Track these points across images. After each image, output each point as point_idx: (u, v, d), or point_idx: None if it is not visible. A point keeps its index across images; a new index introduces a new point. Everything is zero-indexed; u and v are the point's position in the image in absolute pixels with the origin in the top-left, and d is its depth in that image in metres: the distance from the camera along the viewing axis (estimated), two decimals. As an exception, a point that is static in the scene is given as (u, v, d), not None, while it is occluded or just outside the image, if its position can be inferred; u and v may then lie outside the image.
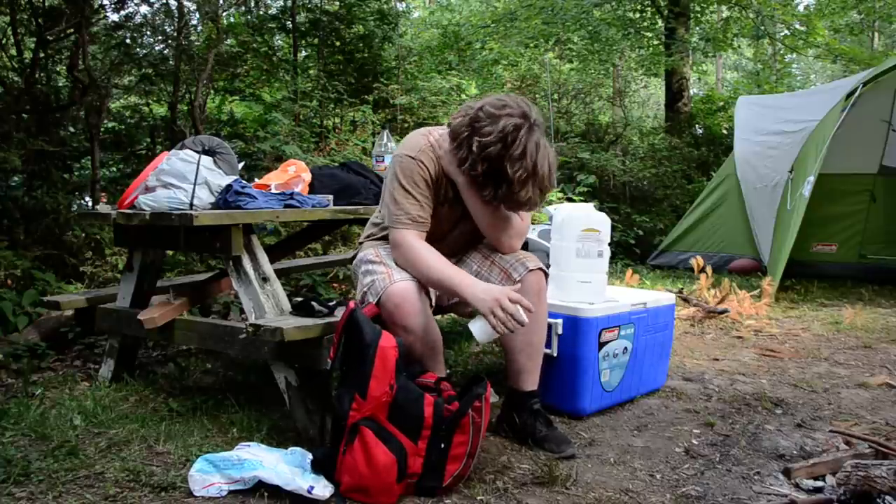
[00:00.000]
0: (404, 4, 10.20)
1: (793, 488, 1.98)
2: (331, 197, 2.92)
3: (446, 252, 2.36)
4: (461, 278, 2.09)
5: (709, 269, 4.69)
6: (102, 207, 2.94)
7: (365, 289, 2.19)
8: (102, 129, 5.06)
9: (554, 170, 2.10)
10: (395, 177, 2.20)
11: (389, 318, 2.05)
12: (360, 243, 2.41)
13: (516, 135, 2.02)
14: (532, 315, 2.17)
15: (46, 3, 4.69)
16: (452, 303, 2.39)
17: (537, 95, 9.46)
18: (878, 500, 1.71)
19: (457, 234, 2.35)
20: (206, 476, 1.88)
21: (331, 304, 2.40)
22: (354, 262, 2.36)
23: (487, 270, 2.29)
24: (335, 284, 4.57)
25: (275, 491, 1.85)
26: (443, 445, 1.90)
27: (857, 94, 5.11)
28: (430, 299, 2.19)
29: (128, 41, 5.36)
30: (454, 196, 2.25)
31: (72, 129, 4.96)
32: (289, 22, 6.93)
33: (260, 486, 1.88)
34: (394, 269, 2.15)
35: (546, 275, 2.27)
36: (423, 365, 2.09)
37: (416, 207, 2.17)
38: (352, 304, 2.00)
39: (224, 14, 6.42)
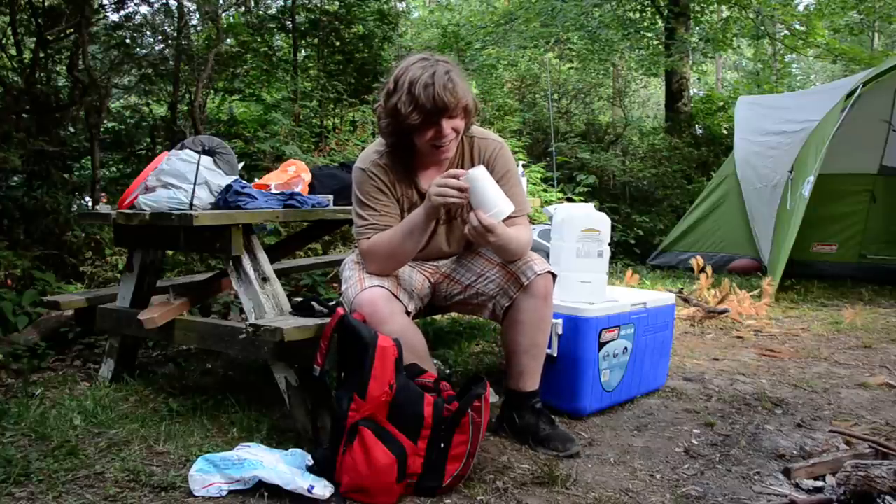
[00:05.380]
0: (404, 4, 10.20)
1: (793, 488, 1.98)
2: (331, 197, 2.92)
3: (430, 255, 2.35)
4: (413, 214, 2.12)
5: (709, 269, 4.69)
6: (102, 207, 2.94)
7: (342, 298, 2.20)
8: (102, 129, 5.06)
9: (439, 81, 2.00)
10: (353, 190, 2.23)
11: None
12: (355, 246, 2.42)
13: (398, 75, 2.07)
14: (538, 316, 2.20)
15: (46, 3, 4.69)
16: (452, 302, 2.38)
17: (537, 95, 9.47)
18: (878, 500, 1.71)
19: (436, 237, 2.30)
20: (206, 476, 1.87)
21: (331, 304, 2.40)
22: (340, 266, 2.36)
23: (494, 273, 2.25)
24: (335, 284, 4.57)
25: (275, 491, 1.85)
26: (442, 445, 1.90)
27: (857, 94, 5.12)
28: (406, 303, 2.15)
29: (128, 41, 5.37)
30: (419, 198, 2.22)
31: (72, 129, 4.96)
32: (289, 22, 6.93)
33: (260, 486, 1.88)
34: (365, 276, 2.16)
35: (554, 277, 2.23)
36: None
37: (375, 216, 2.18)
38: (340, 310, 2.00)
39: (224, 14, 6.42)
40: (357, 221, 2.22)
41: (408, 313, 2.13)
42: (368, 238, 2.18)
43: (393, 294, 2.10)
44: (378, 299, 2.06)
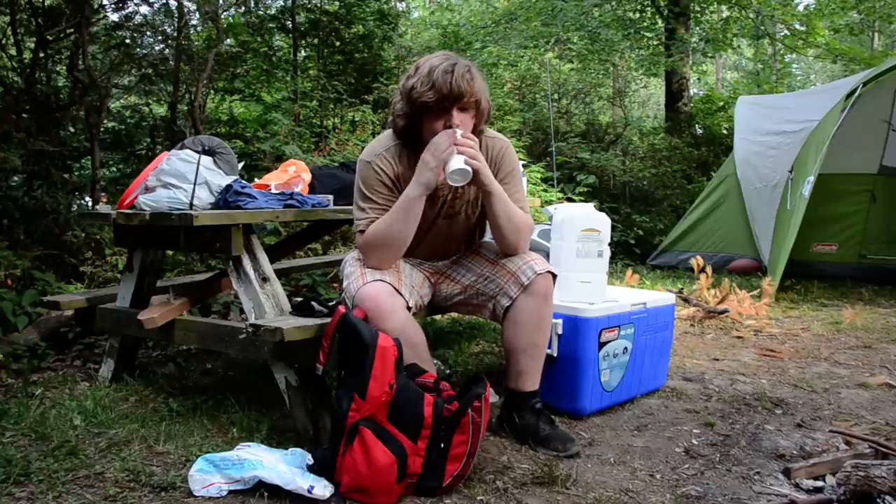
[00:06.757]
0: (404, 4, 10.20)
1: (793, 488, 1.98)
2: (331, 197, 2.92)
3: (430, 253, 2.35)
4: (408, 189, 2.12)
5: (709, 269, 4.69)
6: (102, 207, 2.94)
7: (343, 294, 2.20)
8: (102, 129, 5.06)
9: (459, 70, 2.08)
10: (357, 183, 2.24)
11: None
12: (355, 245, 2.42)
13: (420, 63, 2.15)
14: (538, 316, 2.20)
15: (46, 3, 4.69)
16: (452, 302, 2.38)
17: (537, 95, 9.47)
18: (878, 500, 1.71)
19: (436, 232, 2.31)
20: (206, 476, 1.88)
21: (331, 304, 2.40)
22: (341, 264, 2.36)
23: (494, 273, 2.26)
24: (335, 284, 4.57)
25: (275, 491, 1.85)
26: (442, 445, 1.90)
27: (857, 94, 5.12)
28: (407, 297, 2.14)
29: (128, 41, 5.37)
30: None
31: (72, 129, 4.96)
32: (289, 22, 6.93)
33: (260, 486, 1.88)
34: (367, 271, 2.15)
35: (554, 277, 2.24)
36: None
37: (376, 209, 2.19)
38: (341, 308, 2.00)
39: (224, 14, 6.42)
40: (357, 215, 2.22)
41: (408, 308, 2.14)
42: (365, 232, 2.18)
43: (395, 289, 2.10)
44: (381, 294, 2.06)
